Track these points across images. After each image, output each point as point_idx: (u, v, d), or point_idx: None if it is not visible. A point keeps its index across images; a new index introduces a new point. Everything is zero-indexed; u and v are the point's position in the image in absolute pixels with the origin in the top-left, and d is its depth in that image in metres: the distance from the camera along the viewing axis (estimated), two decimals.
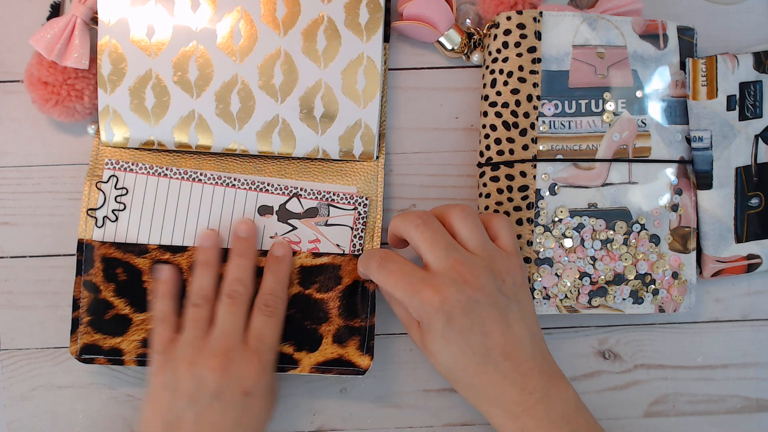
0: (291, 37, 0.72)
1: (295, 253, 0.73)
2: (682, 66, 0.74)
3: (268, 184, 0.73)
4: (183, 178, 0.73)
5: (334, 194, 0.73)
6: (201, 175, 0.73)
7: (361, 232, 0.73)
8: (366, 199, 0.73)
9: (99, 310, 0.72)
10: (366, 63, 0.73)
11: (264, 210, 0.73)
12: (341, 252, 0.73)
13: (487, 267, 0.65)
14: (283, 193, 0.73)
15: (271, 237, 0.73)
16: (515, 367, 0.64)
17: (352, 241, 0.73)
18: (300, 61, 0.72)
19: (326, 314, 0.73)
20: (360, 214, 0.73)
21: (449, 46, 0.76)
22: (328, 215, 0.73)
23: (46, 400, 0.75)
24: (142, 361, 0.72)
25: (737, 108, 0.74)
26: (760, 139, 0.75)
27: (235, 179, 0.73)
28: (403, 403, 0.77)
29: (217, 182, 0.73)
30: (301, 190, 0.73)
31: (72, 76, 0.72)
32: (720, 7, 0.79)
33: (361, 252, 0.73)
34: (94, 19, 0.72)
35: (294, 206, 0.73)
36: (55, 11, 0.74)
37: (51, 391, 0.75)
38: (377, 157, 0.75)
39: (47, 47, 0.71)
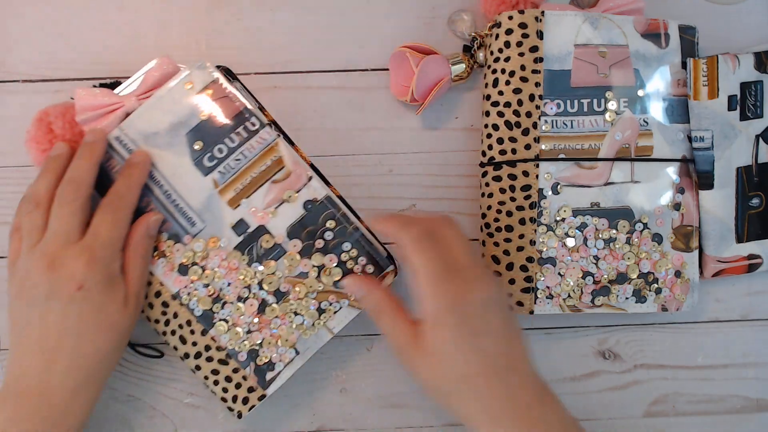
0: None
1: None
2: (684, 65, 0.74)
3: None
4: None
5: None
6: None
7: None
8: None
9: None
10: None
11: None
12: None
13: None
14: None
15: None
16: (519, 381, 0.63)
17: None
18: None
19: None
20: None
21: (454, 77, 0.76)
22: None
23: None
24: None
25: (738, 108, 0.74)
26: (760, 139, 0.75)
27: None
28: (403, 403, 0.77)
29: None
30: None
31: (78, 140, 0.72)
32: (720, 7, 0.79)
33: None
34: None
35: None
36: (112, 86, 0.73)
37: None
38: None
39: (83, 107, 0.70)
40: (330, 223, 0.71)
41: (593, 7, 0.75)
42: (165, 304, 0.71)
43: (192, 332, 0.71)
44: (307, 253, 0.71)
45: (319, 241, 0.71)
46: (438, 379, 0.63)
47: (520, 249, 0.72)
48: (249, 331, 0.71)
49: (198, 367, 0.71)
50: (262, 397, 0.71)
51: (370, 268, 0.71)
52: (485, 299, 0.63)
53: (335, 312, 0.72)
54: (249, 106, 0.71)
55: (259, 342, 0.71)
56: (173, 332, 0.71)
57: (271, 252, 0.71)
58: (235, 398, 0.71)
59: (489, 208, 0.73)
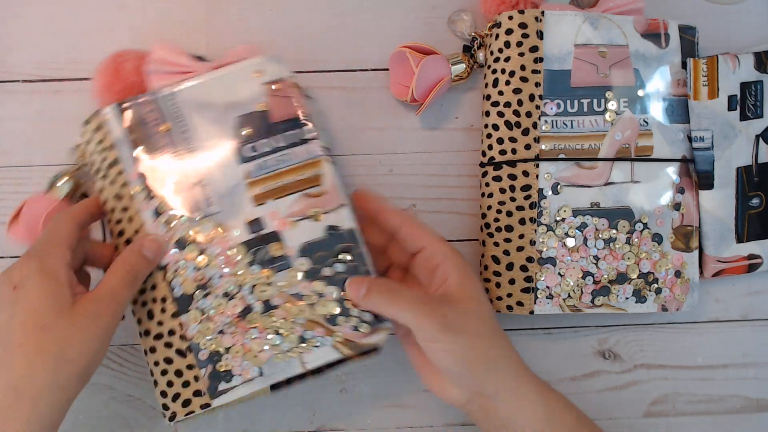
0: None
1: None
2: (684, 65, 0.74)
3: None
4: None
5: None
6: None
7: None
8: None
9: None
10: None
11: None
12: None
13: None
14: None
15: None
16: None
17: None
18: None
19: None
20: None
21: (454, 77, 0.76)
22: None
23: None
24: None
25: (738, 108, 0.74)
26: (760, 139, 0.75)
27: None
28: (403, 403, 0.77)
29: None
30: None
31: (138, 89, 0.72)
32: (720, 7, 0.79)
33: None
34: None
35: None
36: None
37: None
38: None
39: (157, 60, 0.71)
40: (344, 256, 0.68)
41: (593, 7, 0.75)
42: None
43: (163, 311, 0.67)
44: (312, 276, 0.68)
45: (328, 269, 0.68)
46: (473, 326, 0.65)
47: (520, 249, 0.72)
48: (221, 332, 0.67)
49: (153, 349, 0.67)
50: (204, 406, 0.67)
51: (368, 317, 0.67)
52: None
53: (315, 347, 0.67)
54: (308, 114, 0.70)
55: (227, 347, 0.67)
56: (144, 303, 0.68)
57: (275, 261, 0.68)
58: (176, 396, 0.67)
59: (489, 208, 0.73)
